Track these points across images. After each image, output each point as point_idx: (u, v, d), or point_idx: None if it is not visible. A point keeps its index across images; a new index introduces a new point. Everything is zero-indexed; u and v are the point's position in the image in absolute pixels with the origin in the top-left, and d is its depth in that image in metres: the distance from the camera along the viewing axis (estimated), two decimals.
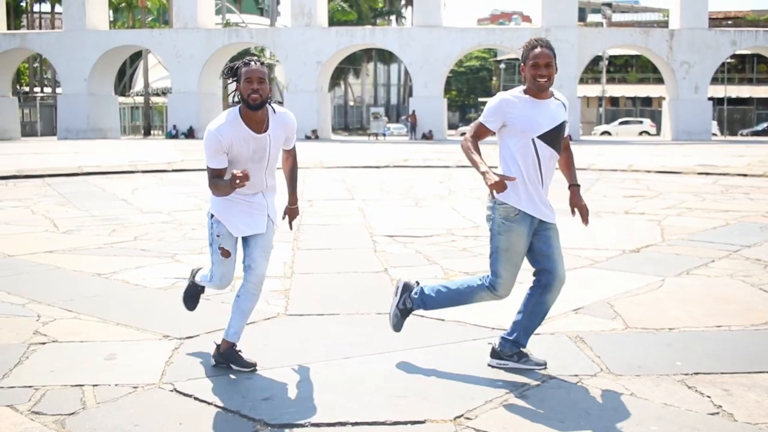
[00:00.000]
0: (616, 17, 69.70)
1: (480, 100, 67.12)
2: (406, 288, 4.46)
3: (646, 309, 5.46)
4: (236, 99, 4.09)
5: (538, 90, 4.06)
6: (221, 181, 4.03)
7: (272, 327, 5.06)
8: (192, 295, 4.73)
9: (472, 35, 42.99)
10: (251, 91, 3.96)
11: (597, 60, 53.53)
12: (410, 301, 4.41)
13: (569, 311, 5.38)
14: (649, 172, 18.11)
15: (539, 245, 4.17)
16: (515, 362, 4.23)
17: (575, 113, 41.35)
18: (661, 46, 40.81)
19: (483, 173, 3.91)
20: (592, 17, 70.73)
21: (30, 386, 3.92)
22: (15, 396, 3.79)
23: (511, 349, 4.24)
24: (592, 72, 59.70)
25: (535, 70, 4.03)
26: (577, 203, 4.33)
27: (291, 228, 4.67)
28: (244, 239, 4.24)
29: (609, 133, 51.42)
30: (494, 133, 4.14)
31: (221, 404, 3.70)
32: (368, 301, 5.72)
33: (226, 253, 4.19)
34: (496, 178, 3.85)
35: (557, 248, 4.20)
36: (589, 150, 28.80)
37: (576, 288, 6.08)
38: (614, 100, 63.82)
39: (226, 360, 4.21)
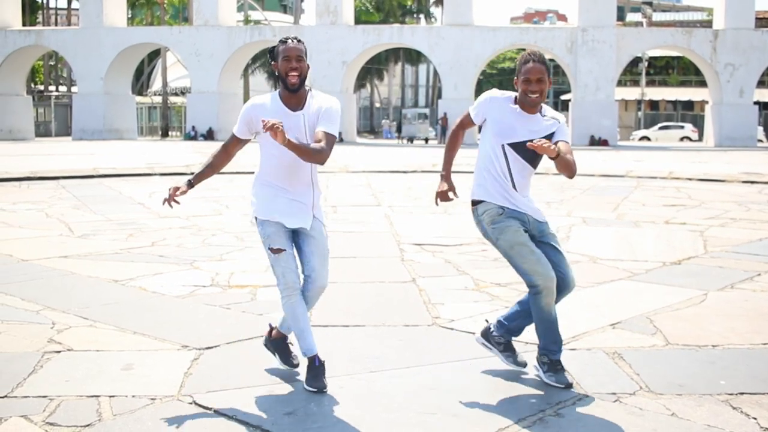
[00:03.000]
0: (657, 16, 68.81)
1: None
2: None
3: (687, 324, 5.29)
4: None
5: (529, 105, 4.10)
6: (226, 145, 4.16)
7: (295, 338, 4.91)
8: (277, 349, 4.33)
9: (505, 35, 42.49)
10: (289, 69, 3.89)
11: (636, 61, 52.92)
12: (499, 337, 4.36)
13: (606, 326, 5.22)
14: (690, 179, 17.75)
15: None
16: (499, 351, 4.35)
17: (612, 117, 40.89)
18: (704, 47, 40.09)
19: (441, 176, 4.27)
20: (631, 16, 69.88)
21: (44, 396, 3.85)
22: (29, 406, 3.73)
23: (503, 336, 4.34)
24: (630, 74, 59.04)
25: (527, 85, 4.06)
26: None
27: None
28: (297, 245, 4.08)
29: (648, 139, 50.81)
30: (477, 126, 4.25)
31: (242, 418, 3.62)
32: (395, 312, 5.59)
33: (277, 251, 3.97)
34: (444, 188, 4.21)
35: (562, 253, 4.19)
36: (628, 156, 28.45)
37: (614, 301, 5.95)
38: (654, 104, 63.05)
39: (274, 348, 4.28)
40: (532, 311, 4.15)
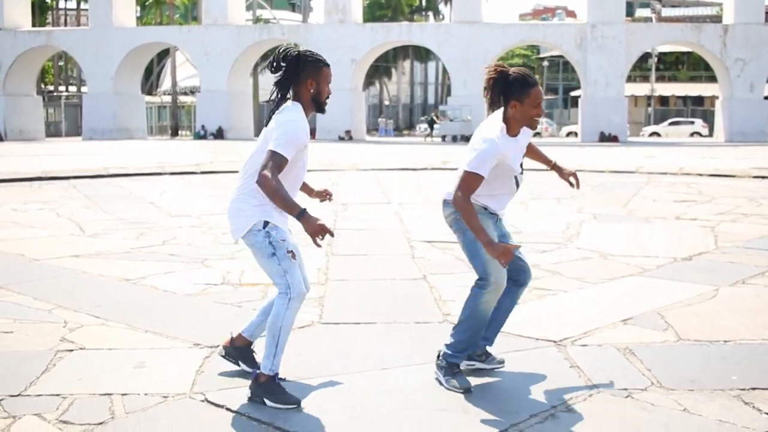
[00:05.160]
0: (666, 12, 68.54)
1: None
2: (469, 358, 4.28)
3: (699, 320, 5.27)
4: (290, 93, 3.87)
5: (531, 129, 4.07)
6: (283, 189, 3.63)
7: (306, 336, 4.95)
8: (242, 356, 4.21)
9: (514, 31, 42.41)
10: (329, 94, 3.91)
11: (646, 57, 52.70)
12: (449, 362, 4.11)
13: (618, 322, 5.21)
14: (701, 175, 17.68)
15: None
16: (482, 362, 4.26)
17: (622, 113, 40.76)
18: (714, 42, 39.91)
19: (488, 244, 3.83)
20: (640, 12, 69.67)
21: (58, 395, 3.87)
22: (43, 404, 3.75)
23: (481, 349, 4.26)
24: (640, 70, 58.82)
25: (537, 110, 3.95)
26: (568, 173, 4.47)
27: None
28: None
29: (658, 134, 50.59)
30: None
31: (254, 415, 3.63)
32: (406, 309, 5.59)
33: (294, 256, 3.83)
34: (502, 249, 3.80)
35: (518, 251, 4.12)
36: (638, 152, 28.35)
37: (625, 297, 5.93)
38: (664, 100, 62.81)
39: (239, 356, 4.19)
40: (469, 305, 4.06)
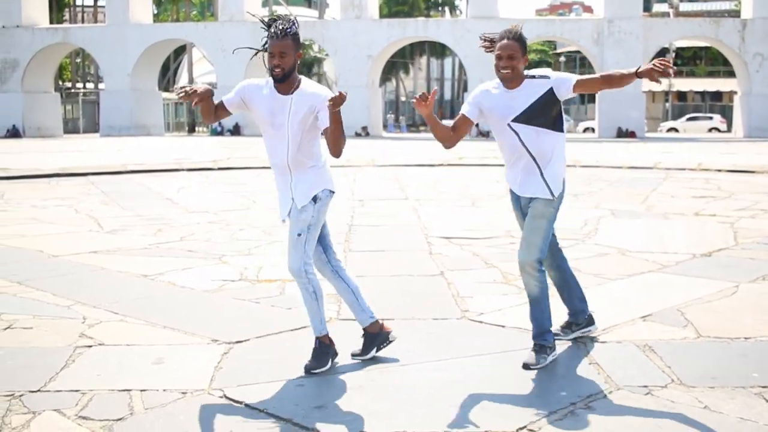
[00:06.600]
0: (684, 7, 67.95)
1: None
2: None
3: (719, 317, 5.22)
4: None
5: (502, 80, 4.24)
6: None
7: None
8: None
9: (531, 27, 42.05)
10: (273, 66, 4.01)
11: (663, 52, 52.23)
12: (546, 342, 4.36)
13: (637, 318, 5.17)
14: (719, 171, 17.52)
15: None
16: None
17: (640, 109, 40.53)
18: (733, 37, 39.56)
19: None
20: (657, 7, 69.17)
21: (77, 390, 3.89)
22: (62, 400, 3.76)
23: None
24: None
25: (498, 61, 4.19)
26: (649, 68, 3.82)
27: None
28: None
29: (676, 130, 50.23)
30: (475, 124, 4.42)
31: (273, 412, 3.63)
32: (424, 305, 5.58)
33: None
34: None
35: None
36: (655, 148, 28.17)
37: (644, 294, 5.89)
38: (682, 95, 62.37)
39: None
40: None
